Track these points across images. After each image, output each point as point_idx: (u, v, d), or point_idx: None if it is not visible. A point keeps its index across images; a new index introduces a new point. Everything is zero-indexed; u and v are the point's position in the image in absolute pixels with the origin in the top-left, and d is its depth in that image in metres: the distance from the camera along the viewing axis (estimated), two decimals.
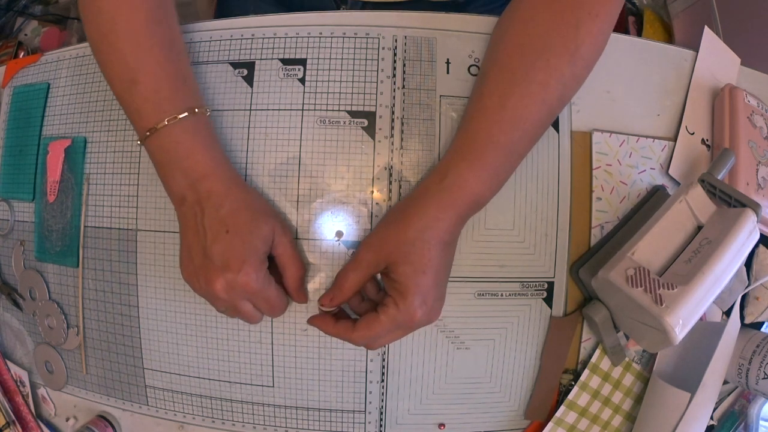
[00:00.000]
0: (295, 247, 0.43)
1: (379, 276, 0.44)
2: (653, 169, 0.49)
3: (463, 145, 0.41)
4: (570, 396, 0.48)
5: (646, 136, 0.49)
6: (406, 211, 0.41)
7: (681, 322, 0.38)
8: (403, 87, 0.48)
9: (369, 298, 0.44)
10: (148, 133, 0.41)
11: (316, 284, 0.47)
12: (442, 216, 0.39)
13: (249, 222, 0.40)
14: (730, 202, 0.44)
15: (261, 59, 0.48)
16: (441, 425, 0.48)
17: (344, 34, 0.48)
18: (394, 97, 0.47)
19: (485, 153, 0.40)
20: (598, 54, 0.43)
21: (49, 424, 0.55)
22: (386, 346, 0.47)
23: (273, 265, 0.43)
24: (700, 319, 0.41)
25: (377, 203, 0.47)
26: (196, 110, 0.42)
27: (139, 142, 0.42)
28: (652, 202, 0.48)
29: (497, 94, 0.41)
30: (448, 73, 0.48)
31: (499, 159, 0.41)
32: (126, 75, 0.41)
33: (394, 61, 0.48)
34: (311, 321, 0.44)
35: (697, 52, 0.52)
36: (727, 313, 0.50)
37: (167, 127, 0.40)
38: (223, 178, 0.41)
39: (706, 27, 0.53)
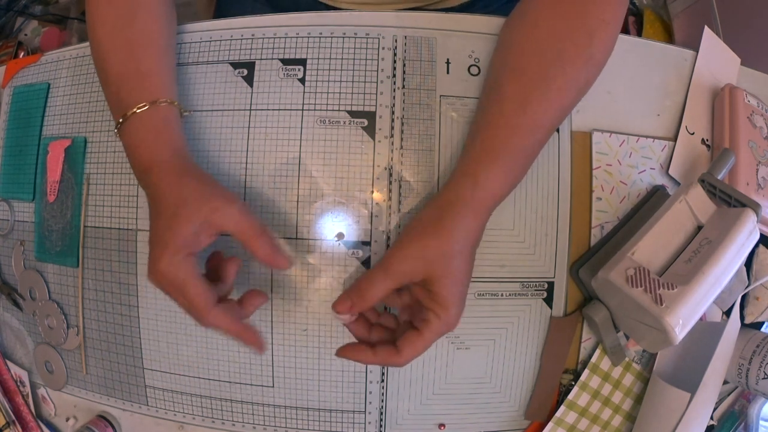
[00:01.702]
0: (249, 215, 0.39)
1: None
2: (653, 169, 0.49)
3: (489, 151, 0.41)
4: (570, 396, 0.48)
5: (646, 136, 0.49)
6: (441, 222, 0.39)
7: (681, 322, 0.38)
8: (403, 87, 0.48)
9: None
10: (116, 129, 0.43)
11: (317, 285, 0.47)
12: (478, 224, 0.40)
13: (176, 206, 0.39)
14: (730, 202, 0.44)
15: (261, 59, 0.48)
16: (441, 425, 0.48)
17: (344, 34, 0.48)
18: (394, 97, 0.47)
19: (508, 158, 0.40)
20: (608, 57, 0.44)
21: (49, 424, 0.55)
22: None
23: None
24: (700, 319, 0.41)
25: (377, 203, 0.47)
26: (147, 106, 0.42)
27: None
28: (652, 202, 0.48)
29: (518, 99, 0.41)
30: (448, 73, 0.48)
31: (519, 162, 0.41)
32: (102, 75, 0.45)
33: (394, 61, 0.48)
34: (342, 353, 0.41)
35: (697, 52, 0.52)
36: (727, 313, 0.50)
37: (124, 123, 0.42)
38: (163, 170, 0.41)
39: (706, 27, 0.53)
